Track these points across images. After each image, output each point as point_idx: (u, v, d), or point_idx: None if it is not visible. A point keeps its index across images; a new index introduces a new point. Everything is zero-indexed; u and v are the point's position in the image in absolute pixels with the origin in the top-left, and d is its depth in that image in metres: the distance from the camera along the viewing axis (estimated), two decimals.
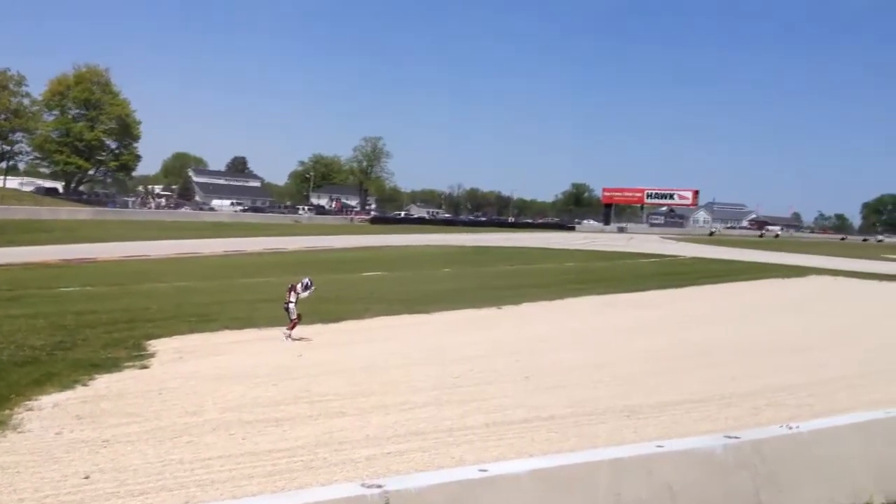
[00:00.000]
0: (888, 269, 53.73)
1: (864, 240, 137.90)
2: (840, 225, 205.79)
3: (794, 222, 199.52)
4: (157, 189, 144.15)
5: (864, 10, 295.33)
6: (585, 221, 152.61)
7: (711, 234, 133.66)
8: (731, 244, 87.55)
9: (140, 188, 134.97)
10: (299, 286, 17.98)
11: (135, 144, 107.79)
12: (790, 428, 7.94)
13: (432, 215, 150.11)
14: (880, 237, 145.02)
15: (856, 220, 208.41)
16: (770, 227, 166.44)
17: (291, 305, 17.78)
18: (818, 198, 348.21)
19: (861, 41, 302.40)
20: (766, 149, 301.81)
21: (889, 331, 24.23)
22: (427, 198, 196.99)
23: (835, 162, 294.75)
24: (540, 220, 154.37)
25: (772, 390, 14.40)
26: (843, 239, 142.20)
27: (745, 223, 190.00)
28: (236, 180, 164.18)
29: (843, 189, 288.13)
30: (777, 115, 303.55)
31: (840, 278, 44.29)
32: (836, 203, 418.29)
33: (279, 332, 17.91)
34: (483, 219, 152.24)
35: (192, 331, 18.31)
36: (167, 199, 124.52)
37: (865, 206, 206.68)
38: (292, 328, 17.79)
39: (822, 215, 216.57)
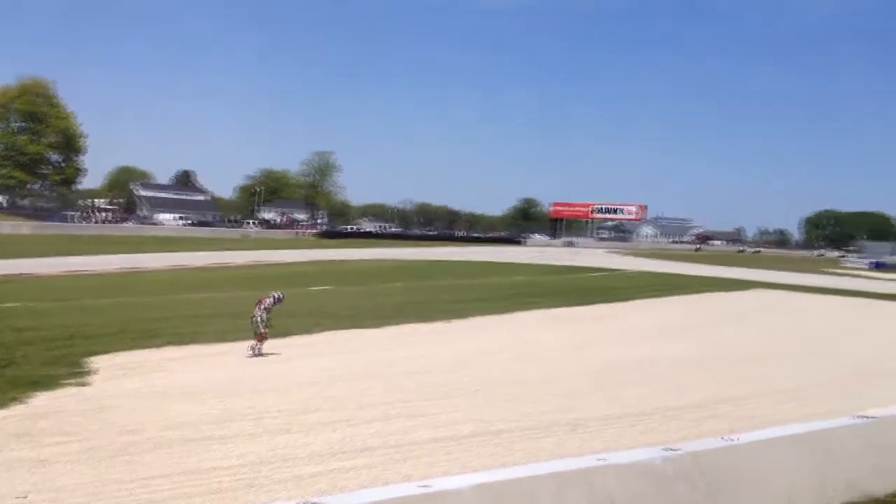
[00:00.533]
0: (830, 283, 55.05)
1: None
2: (781, 240, 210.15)
3: (736, 237, 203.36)
4: (101, 203, 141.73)
5: (808, 27, 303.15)
6: (534, 236, 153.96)
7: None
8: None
9: (81, 202, 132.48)
10: (268, 300, 17.88)
11: (79, 158, 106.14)
12: (729, 440, 8.07)
13: (382, 229, 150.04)
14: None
15: (795, 235, 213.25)
16: (713, 242, 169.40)
17: (256, 319, 17.67)
18: (759, 213, 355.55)
19: (803, 59, 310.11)
20: (711, 164, 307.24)
21: (829, 344, 24.75)
22: (377, 212, 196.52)
23: (776, 177, 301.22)
24: (489, 235, 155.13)
25: (714, 402, 14.62)
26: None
27: (689, 237, 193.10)
28: (183, 194, 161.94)
29: (783, 204, 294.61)
30: (721, 130, 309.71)
31: (782, 292, 45.18)
32: (776, 218, 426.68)
33: (223, 347, 17.77)
34: (433, 233, 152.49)
35: (134, 347, 17.98)
36: (111, 214, 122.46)
37: (806, 221, 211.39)
38: (258, 341, 17.70)
39: (764, 230, 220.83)
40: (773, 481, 8.06)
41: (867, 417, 9.60)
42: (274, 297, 18.11)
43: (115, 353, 17.14)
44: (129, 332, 19.95)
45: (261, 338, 17.73)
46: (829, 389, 16.68)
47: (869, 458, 9.15)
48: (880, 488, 8.99)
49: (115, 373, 15.28)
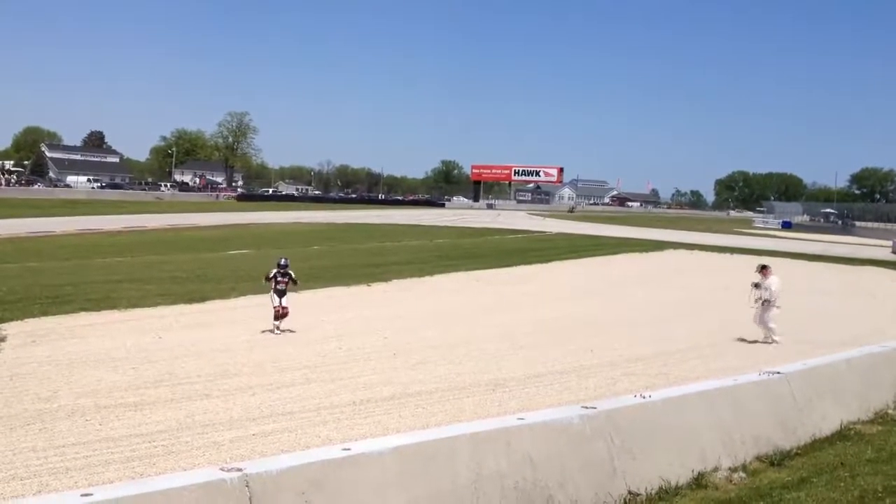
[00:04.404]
0: (739, 242, 56.56)
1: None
2: (696, 201, 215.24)
3: (652, 198, 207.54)
4: (8, 165, 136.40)
5: None
6: (455, 198, 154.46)
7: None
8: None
9: None
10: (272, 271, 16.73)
11: None
12: (643, 397, 8.29)
13: (301, 192, 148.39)
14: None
15: (709, 196, 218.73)
16: (630, 204, 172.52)
17: (272, 293, 16.69)
18: (674, 174, 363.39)
19: (714, 20, 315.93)
20: (625, 126, 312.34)
21: (737, 302, 25.51)
22: (296, 174, 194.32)
23: (690, 140, 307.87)
24: (410, 198, 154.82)
25: (628, 361, 14.97)
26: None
27: (606, 199, 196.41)
28: (93, 156, 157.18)
29: (697, 166, 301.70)
30: (632, 91, 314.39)
31: (695, 252, 46.29)
32: (691, 180, 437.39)
33: (138, 313, 17.37)
34: (353, 196, 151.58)
35: (45, 313, 17.48)
36: (18, 176, 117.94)
37: (718, 182, 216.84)
38: (276, 318, 16.61)
39: (678, 192, 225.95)
40: (686, 436, 8.31)
41: (774, 373, 9.96)
42: (278, 264, 16.84)
43: (26, 320, 16.67)
44: (39, 297, 19.39)
45: (277, 313, 16.60)
46: (734, 347, 17.15)
47: (775, 413, 9.52)
48: (787, 441, 9.36)
49: (26, 340, 14.87)
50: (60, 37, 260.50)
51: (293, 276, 16.88)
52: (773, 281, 17.82)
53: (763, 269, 18.40)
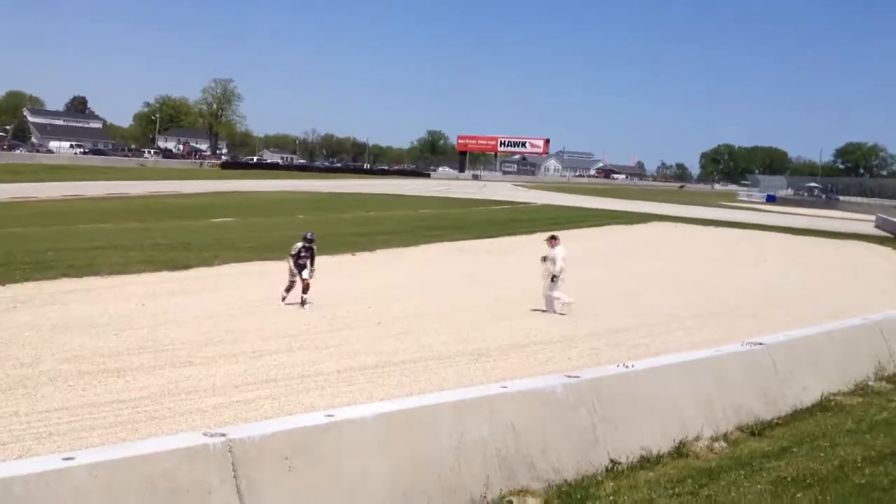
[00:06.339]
0: (722, 215, 56.85)
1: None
2: (681, 174, 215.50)
3: (638, 171, 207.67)
4: None
5: None
6: (441, 169, 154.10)
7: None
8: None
9: None
10: (297, 244, 16.33)
11: None
12: (626, 367, 8.32)
13: (286, 161, 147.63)
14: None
15: (694, 170, 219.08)
16: (616, 176, 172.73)
17: (290, 264, 16.26)
18: (660, 147, 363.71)
19: None
20: (611, 98, 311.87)
21: (720, 274, 25.69)
22: (281, 143, 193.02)
23: (675, 112, 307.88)
24: (396, 167, 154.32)
25: (611, 332, 15.06)
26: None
27: (592, 171, 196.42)
28: (76, 121, 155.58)
29: (682, 139, 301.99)
30: (619, 64, 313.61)
31: (679, 224, 46.47)
32: (676, 153, 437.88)
33: (121, 280, 17.28)
34: (338, 165, 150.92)
35: (27, 279, 17.28)
36: (0, 141, 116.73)
37: (704, 155, 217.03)
38: (287, 291, 16.33)
39: (663, 164, 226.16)
40: (667, 406, 8.36)
41: (756, 344, 10.02)
42: (304, 238, 16.42)
43: (7, 286, 16.49)
44: (21, 263, 19.15)
45: (291, 285, 16.28)
46: (716, 318, 17.30)
47: (757, 384, 9.59)
48: (768, 412, 9.44)
49: (7, 305, 14.74)
50: (43, 1, 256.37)
51: (315, 250, 16.57)
52: (558, 252, 17.02)
53: (552, 239, 17.54)
